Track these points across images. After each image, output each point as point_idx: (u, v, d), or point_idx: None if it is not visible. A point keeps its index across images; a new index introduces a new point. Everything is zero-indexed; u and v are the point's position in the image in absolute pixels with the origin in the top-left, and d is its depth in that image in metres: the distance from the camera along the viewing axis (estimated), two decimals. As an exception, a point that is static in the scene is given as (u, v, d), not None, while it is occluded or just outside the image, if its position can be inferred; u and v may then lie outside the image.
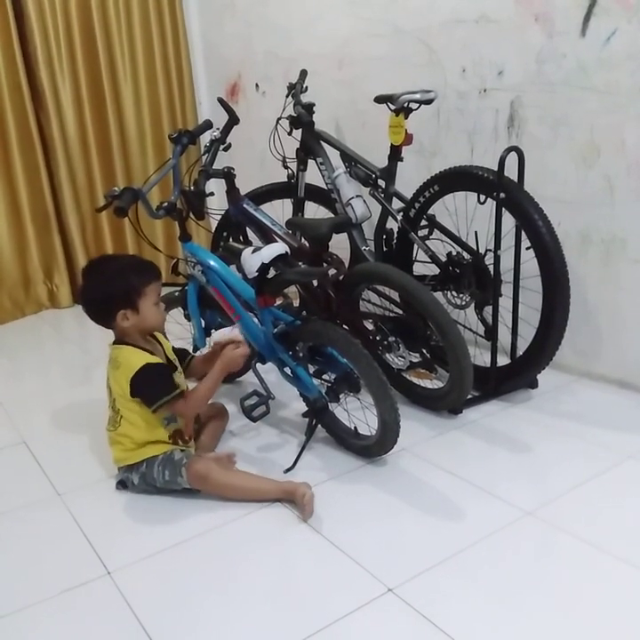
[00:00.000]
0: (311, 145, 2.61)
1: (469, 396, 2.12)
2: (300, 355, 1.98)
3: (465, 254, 2.19)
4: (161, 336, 1.92)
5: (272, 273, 1.90)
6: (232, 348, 1.83)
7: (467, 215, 2.28)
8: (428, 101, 2.28)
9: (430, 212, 2.29)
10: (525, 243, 2.06)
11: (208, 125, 2.38)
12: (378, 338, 2.16)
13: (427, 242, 2.28)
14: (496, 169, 2.01)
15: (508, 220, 2.06)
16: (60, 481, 1.91)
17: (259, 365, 2.09)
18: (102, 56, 3.55)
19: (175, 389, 1.74)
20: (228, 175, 2.42)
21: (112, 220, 3.70)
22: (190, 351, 2.06)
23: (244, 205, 2.48)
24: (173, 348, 1.96)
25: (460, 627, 1.28)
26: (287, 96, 2.70)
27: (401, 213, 2.34)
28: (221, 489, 1.73)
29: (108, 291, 1.74)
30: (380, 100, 2.35)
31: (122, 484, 1.83)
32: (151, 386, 1.73)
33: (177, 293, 2.35)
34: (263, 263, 1.86)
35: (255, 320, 2.11)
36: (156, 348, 1.83)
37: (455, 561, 1.48)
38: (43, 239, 3.59)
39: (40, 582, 1.49)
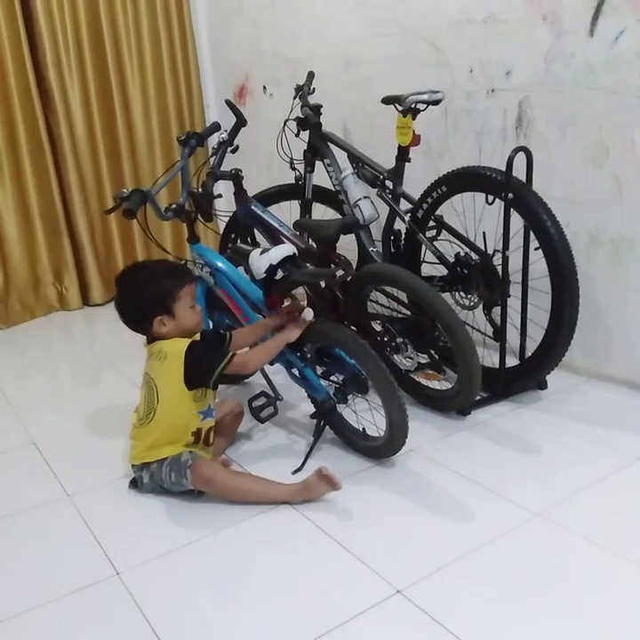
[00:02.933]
0: (318, 146, 2.62)
1: (478, 397, 2.12)
2: (308, 356, 1.98)
3: (473, 255, 2.19)
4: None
5: (280, 274, 1.90)
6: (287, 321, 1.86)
7: (475, 216, 2.28)
8: (436, 102, 2.28)
9: (438, 212, 2.29)
10: (534, 243, 2.05)
11: (216, 127, 2.39)
12: (386, 339, 2.16)
13: (434, 243, 2.27)
14: (504, 169, 2.00)
15: (517, 221, 2.05)
16: (70, 482, 1.91)
17: (266, 366, 2.10)
18: (111, 59, 3.58)
19: (226, 354, 1.74)
20: (236, 177, 2.42)
21: (121, 221, 3.72)
22: (223, 331, 2.03)
23: (252, 207, 2.48)
24: (205, 331, 1.94)
25: (468, 628, 1.28)
26: (294, 98, 2.70)
27: (409, 214, 2.34)
28: (227, 492, 1.73)
29: (142, 298, 1.74)
30: (387, 100, 2.35)
31: (134, 484, 1.84)
32: (205, 357, 1.74)
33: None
34: (271, 264, 1.87)
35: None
36: None
37: (464, 562, 1.47)
38: (52, 241, 3.61)
39: (50, 583, 1.49)
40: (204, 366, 1.73)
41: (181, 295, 1.75)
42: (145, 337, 1.81)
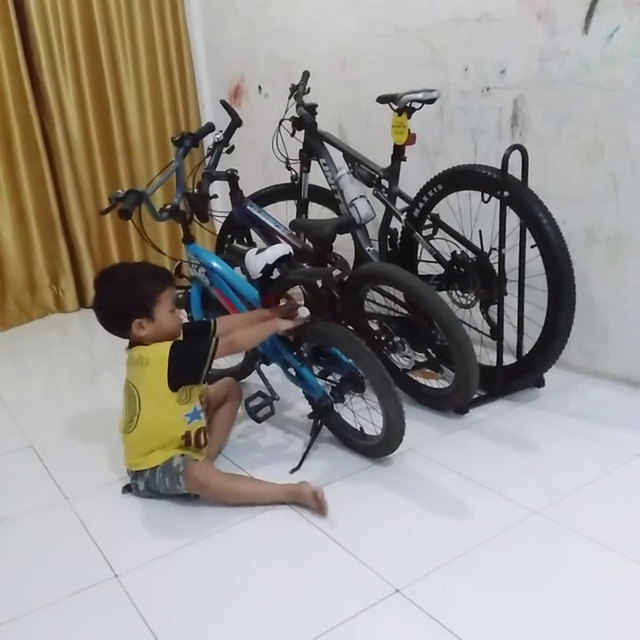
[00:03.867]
0: (314, 146, 2.61)
1: (475, 396, 2.11)
2: (305, 355, 1.98)
3: (469, 253, 2.19)
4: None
5: (276, 274, 1.90)
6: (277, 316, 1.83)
7: (471, 214, 2.28)
8: (431, 101, 2.28)
9: (434, 211, 2.29)
10: (530, 241, 2.05)
11: (210, 128, 2.39)
12: (383, 338, 2.15)
13: (431, 241, 2.27)
14: (500, 167, 2.00)
15: (513, 219, 2.05)
16: (67, 484, 1.91)
17: (263, 366, 2.10)
18: (105, 61, 3.57)
19: (210, 347, 1.71)
20: (232, 177, 2.42)
21: (117, 223, 3.72)
22: (208, 320, 2.00)
23: (248, 207, 2.48)
24: (187, 324, 1.92)
25: (467, 627, 1.28)
26: (290, 97, 2.70)
27: (405, 213, 2.34)
28: (222, 495, 1.72)
29: (121, 301, 1.71)
30: (382, 100, 2.35)
31: (127, 489, 1.83)
32: (191, 352, 1.72)
33: (180, 296, 2.35)
34: (267, 264, 1.86)
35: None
36: None
37: (463, 561, 1.47)
38: (48, 243, 3.61)
39: (48, 585, 1.49)
40: (193, 360, 1.71)
41: (162, 298, 1.72)
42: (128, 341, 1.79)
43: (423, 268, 2.37)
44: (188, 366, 1.71)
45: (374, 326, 2.22)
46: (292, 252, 1.91)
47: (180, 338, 1.82)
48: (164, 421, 1.76)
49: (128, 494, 1.82)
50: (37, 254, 3.59)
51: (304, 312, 1.93)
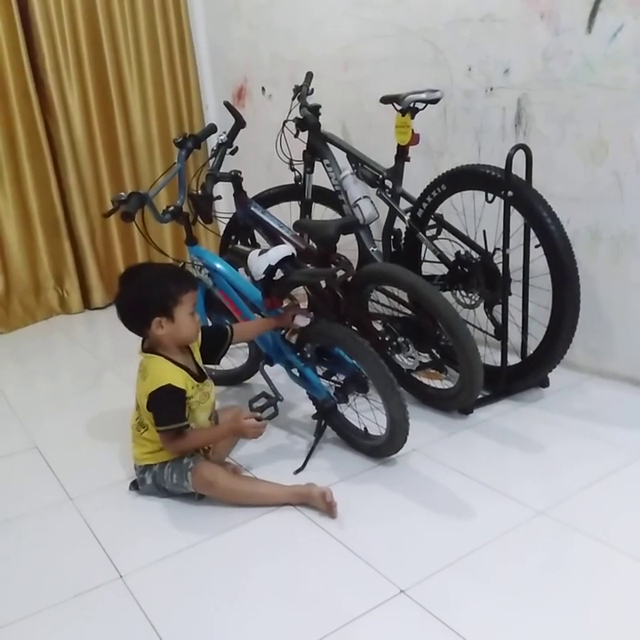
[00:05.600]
0: (318, 147, 2.62)
1: (480, 396, 2.11)
2: (308, 356, 1.98)
3: (473, 253, 2.18)
4: (194, 345, 1.86)
5: (279, 275, 1.90)
6: (245, 417, 1.77)
7: (475, 214, 2.28)
8: (435, 101, 2.28)
9: (438, 211, 2.29)
10: (534, 241, 2.05)
11: (212, 129, 2.39)
12: (387, 338, 2.15)
13: (435, 241, 2.27)
14: (504, 167, 2.00)
15: (517, 219, 2.04)
16: (72, 485, 1.91)
17: (266, 367, 2.10)
18: (109, 62, 3.58)
19: (183, 421, 1.70)
20: (236, 178, 2.42)
21: (121, 224, 3.72)
22: (226, 326, 2.00)
23: (252, 208, 2.48)
24: (206, 327, 1.91)
25: (472, 627, 1.27)
26: (293, 98, 2.71)
27: (408, 213, 2.34)
28: (229, 494, 1.72)
29: (144, 296, 1.71)
30: (386, 100, 2.35)
31: (134, 486, 1.83)
32: (164, 409, 1.71)
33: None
34: (270, 265, 1.86)
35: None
36: (188, 361, 1.79)
37: (467, 561, 1.47)
38: (53, 245, 3.62)
39: (53, 586, 1.49)
40: (158, 416, 1.70)
41: (184, 300, 1.72)
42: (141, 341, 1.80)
43: (427, 269, 2.37)
44: (156, 413, 1.70)
45: (378, 327, 2.22)
46: (295, 252, 1.91)
47: (199, 341, 1.83)
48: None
49: (134, 493, 1.83)
50: (42, 256, 3.60)
51: (305, 320, 1.93)
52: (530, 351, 2.21)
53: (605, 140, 2.12)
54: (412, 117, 2.27)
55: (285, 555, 1.55)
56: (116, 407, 2.39)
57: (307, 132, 2.64)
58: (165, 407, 1.70)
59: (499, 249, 2.09)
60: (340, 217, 2.59)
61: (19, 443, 2.21)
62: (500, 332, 2.17)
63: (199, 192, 2.26)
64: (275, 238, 2.47)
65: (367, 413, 1.97)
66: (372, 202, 2.45)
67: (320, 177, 2.65)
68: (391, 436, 1.83)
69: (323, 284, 2.20)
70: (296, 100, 2.69)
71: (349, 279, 2.09)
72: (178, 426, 1.70)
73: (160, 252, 2.31)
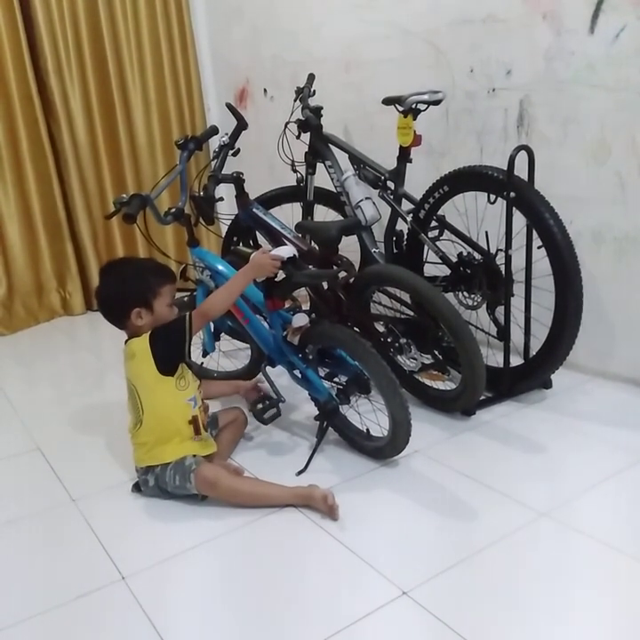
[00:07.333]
0: (320, 148, 2.61)
1: (482, 397, 2.11)
2: (310, 357, 1.98)
3: (476, 255, 2.18)
4: None
5: (281, 276, 1.90)
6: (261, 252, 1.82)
7: (477, 215, 2.27)
8: (437, 102, 2.28)
9: (440, 212, 2.28)
10: (537, 242, 2.05)
11: (214, 131, 2.40)
12: (389, 340, 2.15)
13: (437, 243, 2.27)
14: (506, 168, 1.99)
15: (519, 220, 2.04)
16: (75, 487, 1.91)
17: (268, 368, 2.10)
18: (111, 64, 3.59)
19: (185, 318, 1.74)
20: (238, 180, 2.42)
21: (123, 226, 3.72)
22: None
23: (254, 210, 2.48)
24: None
25: (475, 630, 1.27)
26: (295, 100, 2.70)
27: (411, 215, 2.34)
28: (231, 495, 1.72)
29: (124, 288, 1.78)
30: (388, 101, 2.35)
31: (136, 488, 1.83)
32: (169, 334, 1.75)
33: (186, 298, 2.36)
34: (272, 266, 1.86)
35: (264, 323, 2.11)
36: None
37: (470, 563, 1.46)
38: (55, 247, 3.63)
39: (55, 588, 1.49)
40: (173, 338, 1.75)
41: (162, 292, 1.79)
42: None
43: (429, 270, 2.36)
44: (169, 345, 1.75)
45: (380, 328, 2.22)
46: (296, 253, 1.90)
47: None
48: (167, 409, 1.77)
49: (137, 494, 1.83)
50: (44, 257, 3.60)
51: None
52: (532, 352, 2.20)
53: (608, 141, 2.12)
54: (414, 119, 2.27)
55: (288, 556, 1.55)
56: (118, 409, 2.38)
57: (308, 133, 2.64)
58: (168, 331, 1.75)
59: (501, 250, 2.09)
60: (341, 218, 2.59)
61: (21, 444, 2.21)
62: (503, 334, 2.17)
63: (201, 194, 2.26)
64: (277, 240, 2.47)
65: (369, 415, 1.97)
66: (374, 203, 2.44)
67: (322, 178, 2.65)
68: (393, 437, 1.83)
69: (325, 285, 2.21)
70: (298, 101, 2.69)
71: (351, 280, 2.09)
72: (187, 324, 1.73)
73: (162, 254, 2.31)
